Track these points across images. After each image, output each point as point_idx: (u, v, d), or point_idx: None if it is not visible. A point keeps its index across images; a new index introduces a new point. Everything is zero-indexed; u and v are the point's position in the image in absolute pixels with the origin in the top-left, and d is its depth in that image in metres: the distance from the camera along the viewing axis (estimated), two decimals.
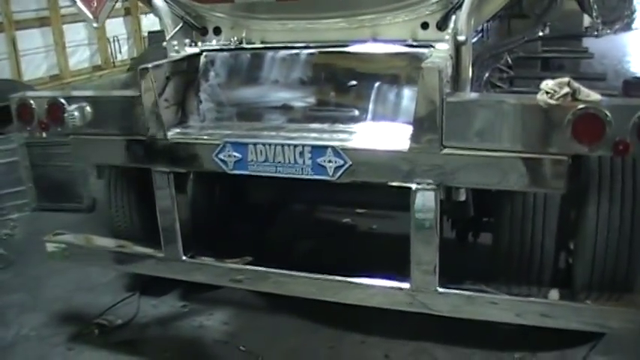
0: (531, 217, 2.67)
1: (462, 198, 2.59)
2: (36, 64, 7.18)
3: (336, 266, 2.75)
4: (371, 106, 2.63)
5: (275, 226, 4.14)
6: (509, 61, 3.63)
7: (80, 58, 7.83)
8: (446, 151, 2.31)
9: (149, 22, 8.50)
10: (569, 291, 2.69)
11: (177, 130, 2.80)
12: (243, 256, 3.01)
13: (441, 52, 2.49)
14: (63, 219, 4.79)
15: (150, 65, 2.67)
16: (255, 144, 2.55)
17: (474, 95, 2.52)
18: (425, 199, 2.38)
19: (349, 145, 2.44)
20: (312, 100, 2.75)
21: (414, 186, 2.38)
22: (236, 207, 3.65)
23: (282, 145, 2.50)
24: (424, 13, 2.63)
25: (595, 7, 2.42)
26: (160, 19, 2.94)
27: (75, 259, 3.27)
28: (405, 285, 2.52)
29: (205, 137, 2.69)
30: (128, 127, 2.78)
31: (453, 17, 2.52)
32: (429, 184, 2.36)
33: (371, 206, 3.94)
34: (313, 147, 2.46)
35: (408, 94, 2.59)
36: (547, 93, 2.16)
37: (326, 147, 2.44)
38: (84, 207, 5.05)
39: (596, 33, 3.61)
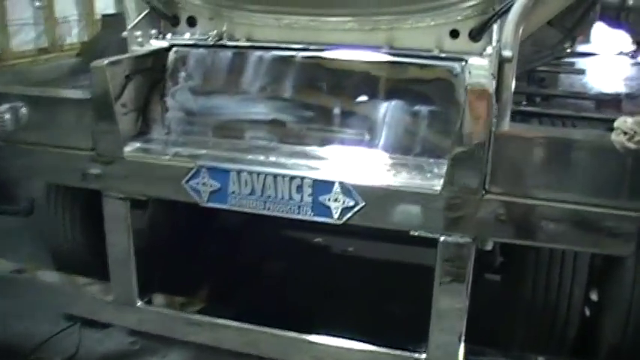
0: (560, 262, 2.21)
1: (489, 247, 2.11)
2: None
3: (308, 298, 2.27)
4: (387, 131, 2.10)
5: (243, 245, 3.59)
6: None
7: (25, 38, 7.00)
8: (489, 196, 1.81)
9: (103, 4, 7.74)
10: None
11: (137, 145, 2.22)
12: (202, 292, 2.52)
13: (480, 69, 1.99)
14: None
15: (105, 61, 2.08)
16: (239, 171, 1.99)
17: (532, 128, 2.03)
18: (455, 255, 1.89)
19: (363, 180, 1.91)
20: (310, 116, 2.20)
21: (442, 237, 1.88)
22: (201, 229, 3.10)
23: (275, 176, 1.96)
24: (455, 18, 2.12)
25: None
26: (121, 1, 2.35)
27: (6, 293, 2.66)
28: (421, 355, 2.01)
29: (173, 157, 2.12)
30: (74, 138, 2.18)
31: (495, 26, 2.02)
32: (462, 236, 1.87)
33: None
34: (316, 181, 1.93)
35: (434, 119, 2.08)
36: (625, 133, 1.69)
37: (332, 182, 1.91)
38: (21, 209, 4.38)
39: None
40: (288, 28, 2.28)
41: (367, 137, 2.13)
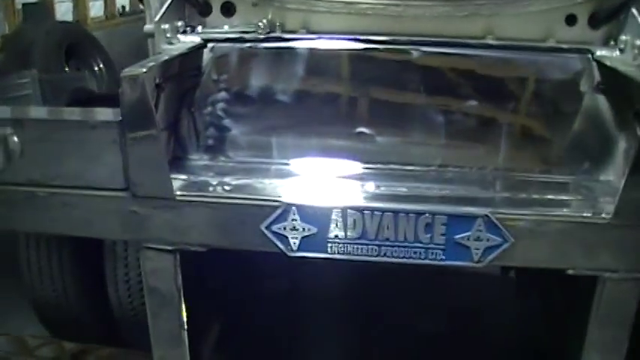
0: None
1: None
2: None
3: None
4: (505, 143, 1.72)
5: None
6: None
7: None
8: None
9: None
10: None
11: (184, 178, 1.68)
12: None
13: (627, 65, 1.64)
14: None
15: (143, 69, 1.50)
16: (344, 210, 1.53)
17: None
18: (619, 294, 1.56)
19: (512, 213, 1.52)
20: (405, 128, 1.76)
21: (606, 274, 1.55)
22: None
23: (396, 213, 1.52)
24: (573, 0, 1.76)
25: None
26: None
27: None
28: None
29: (247, 194, 1.60)
30: (94, 175, 1.59)
31: (634, 11, 1.68)
32: (630, 271, 1.54)
33: None
34: (451, 217, 1.51)
35: (558, 126, 1.73)
36: None
37: (474, 217, 1.50)
38: None
39: None
40: (359, 15, 1.81)
41: (481, 151, 1.74)
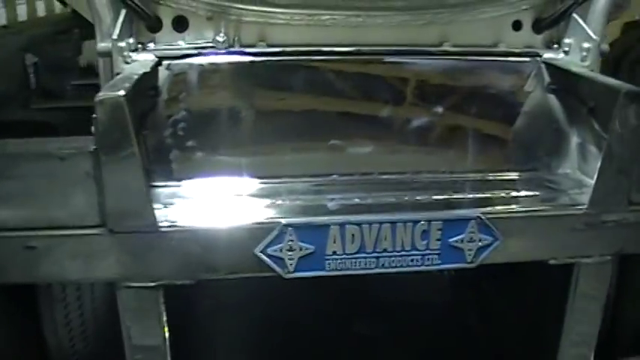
0: None
1: None
2: None
3: None
4: (472, 145, 1.78)
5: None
6: None
7: None
8: (633, 207, 1.63)
9: None
10: None
11: (157, 207, 1.54)
12: None
13: (577, 66, 1.77)
14: None
15: (120, 92, 1.37)
16: (342, 225, 1.50)
17: None
18: (593, 277, 1.68)
19: (502, 212, 1.58)
20: (377, 137, 1.76)
21: (583, 260, 1.66)
22: None
23: (394, 223, 1.51)
24: (520, 7, 1.86)
25: None
26: (91, 5, 1.58)
27: None
28: None
29: (240, 218, 1.51)
30: (65, 213, 1.42)
31: (576, 16, 1.82)
32: (602, 255, 1.67)
33: None
34: (447, 222, 1.53)
35: (513, 126, 1.82)
36: None
37: (467, 219, 1.54)
38: None
39: None
40: (319, 27, 1.77)
41: (450, 155, 1.79)
